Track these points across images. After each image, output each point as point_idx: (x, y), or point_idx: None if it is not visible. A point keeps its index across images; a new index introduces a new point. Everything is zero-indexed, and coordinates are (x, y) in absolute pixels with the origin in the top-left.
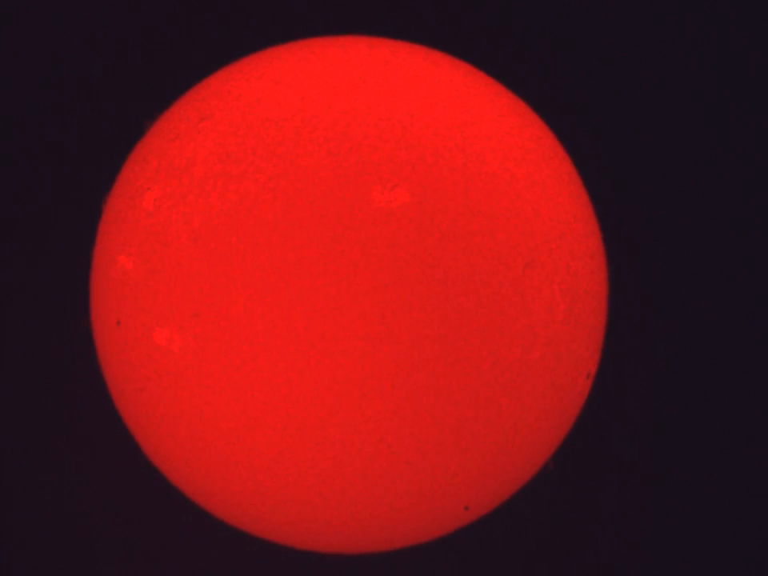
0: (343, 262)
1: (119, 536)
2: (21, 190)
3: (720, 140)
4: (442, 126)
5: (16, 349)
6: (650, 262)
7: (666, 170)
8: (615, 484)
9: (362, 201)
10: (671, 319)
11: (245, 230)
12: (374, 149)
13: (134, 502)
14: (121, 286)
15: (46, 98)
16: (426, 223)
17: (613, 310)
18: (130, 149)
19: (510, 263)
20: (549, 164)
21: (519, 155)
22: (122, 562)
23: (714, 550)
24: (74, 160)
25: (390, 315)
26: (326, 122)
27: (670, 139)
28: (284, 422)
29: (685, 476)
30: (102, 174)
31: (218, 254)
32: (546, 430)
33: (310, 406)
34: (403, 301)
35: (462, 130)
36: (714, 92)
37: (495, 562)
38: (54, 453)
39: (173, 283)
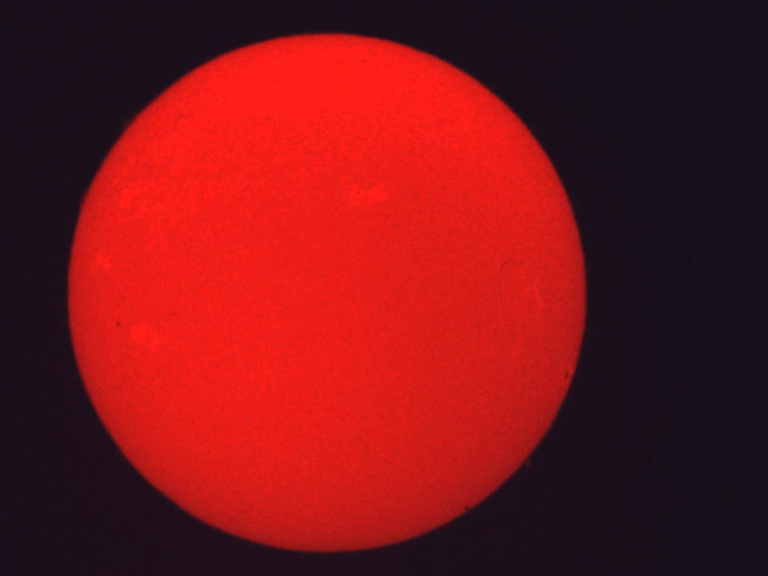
0: (320, 261)
1: (96, 533)
2: None
3: (701, 139)
4: (418, 124)
5: None
6: (628, 260)
7: (644, 168)
8: (593, 483)
9: (338, 199)
10: (649, 318)
11: (222, 228)
12: (351, 147)
13: (111, 500)
14: (98, 285)
15: (24, 97)
16: (403, 222)
17: (591, 309)
18: (108, 147)
19: (488, 261)
20: (526, 162)
21: (496, 153)
22: (99, 560)
23: (694, 544)
24: (52, 158)
25: (367, 314)
26: (303, 121)
27: (648, 137)
28: (261, 420)
29: (663, 472)
30: (81, 173)
31: (196, 252)
32: (523, 429)
33: (288, 404)
34: (380, 299)
35: (439, 128)
36: (693, 91)
37: (471, 561)
38: (32, 451)
39: (150, 281)
